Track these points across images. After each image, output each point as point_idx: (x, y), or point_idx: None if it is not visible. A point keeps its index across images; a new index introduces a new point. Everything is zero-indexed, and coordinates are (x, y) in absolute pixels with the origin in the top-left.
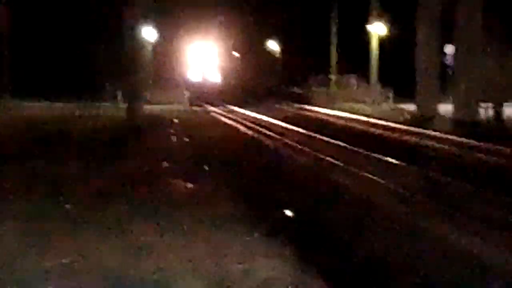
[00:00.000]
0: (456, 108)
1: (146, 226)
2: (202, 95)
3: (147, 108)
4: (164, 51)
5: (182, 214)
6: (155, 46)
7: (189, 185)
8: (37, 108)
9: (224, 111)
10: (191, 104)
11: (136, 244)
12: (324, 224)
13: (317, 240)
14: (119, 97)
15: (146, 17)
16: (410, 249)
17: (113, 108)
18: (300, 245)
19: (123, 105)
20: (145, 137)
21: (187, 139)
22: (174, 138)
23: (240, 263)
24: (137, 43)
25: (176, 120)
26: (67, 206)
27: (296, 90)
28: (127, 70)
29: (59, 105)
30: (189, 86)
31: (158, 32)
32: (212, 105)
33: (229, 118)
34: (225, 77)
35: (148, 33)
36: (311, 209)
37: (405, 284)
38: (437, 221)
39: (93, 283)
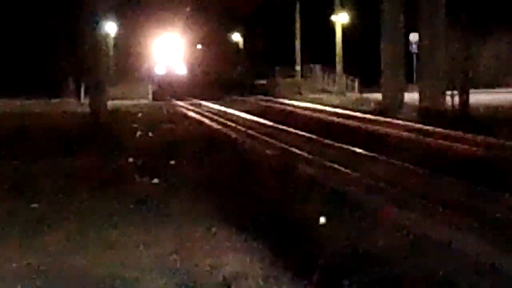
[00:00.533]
0: (422, 97)
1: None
2: (168, 89)
3: (111, 103)
4: (127, 44)
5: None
6: (118, 39)
7: (155, 180)
8: None
9: (189, 104)
10: (155, 99)
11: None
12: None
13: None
14: (82, 92)
15: (107, 11)
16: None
17: (76, 104)
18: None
19: (86, 101)
20: (109, 133)
21: (151, 134)
22: (138, 133)
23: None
24: (98, 37)
25: (140, 115)
26: (34, 205)
27: (262, 81)
28: (89, 65)
29: (19, 102)
30: (154, 79)
31: (120, 26)
32: (177, 99)
33: (195, 112)
34: (191, 70)
35: (109, 27)
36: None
37: None
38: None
39: None
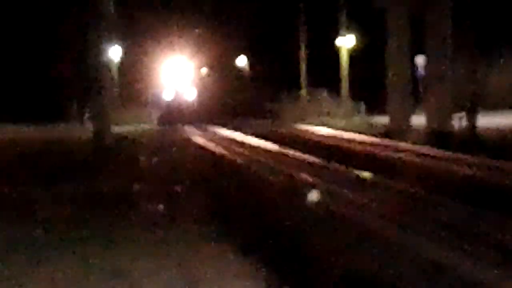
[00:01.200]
0: (429, 119)
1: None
2: (176, 115)
3: (115, 128)
4: (132, 69)
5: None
6: (123, 64)
7: (160, 207)
8: None
9: (194, 128)
10: (160, 124)
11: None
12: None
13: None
14: (86, 117)
15: (111, 37)
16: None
17: (80, 129)
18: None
19: (90, 126)
20: (114, 159)
21: (156, 159)
22: (143, 159)
23: None
24: (102, 63)
25: (144, 140)
26: (38, 231)
27: (268, 105)
28: (92, 90)
29: (24, 128)
30: (162, 105)
31: (126, 50)
32: (183, 124)
33: (200, 136)
34: (199, 95)
35: (114, 52)
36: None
37: None
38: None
39: None
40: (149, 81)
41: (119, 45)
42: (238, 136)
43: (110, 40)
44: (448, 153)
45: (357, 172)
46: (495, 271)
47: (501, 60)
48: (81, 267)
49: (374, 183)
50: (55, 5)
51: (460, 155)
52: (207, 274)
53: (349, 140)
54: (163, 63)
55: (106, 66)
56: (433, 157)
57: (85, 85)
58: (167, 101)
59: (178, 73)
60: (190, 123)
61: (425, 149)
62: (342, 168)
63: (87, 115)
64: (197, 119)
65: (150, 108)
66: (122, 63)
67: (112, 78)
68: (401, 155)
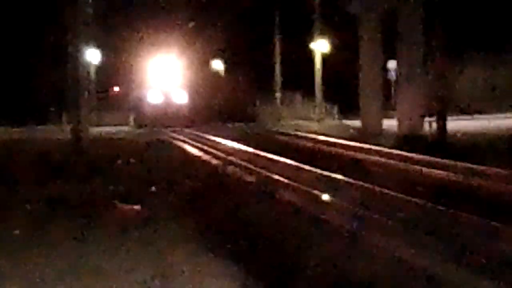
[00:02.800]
0: (400, 123)
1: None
2: (163, 119)
3: (94, 130)
4: (111, 72)
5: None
6: (101, 67)
7: (136, 207)
8: None
9: (170, 130)
10: (139, 125)
11: None
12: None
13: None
14: (64, 119)
15: (89, 39)
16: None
17: (59, 131)
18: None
19: (68, 128)
20: (90, 160)
21: (133, 160)
22: (119, 161)
23: None
24: (80, 65)
25: (121, 142)
26: (16, 231)
27: (244, 109)
28: (71, 92)
29: (2, 129)
30: (146, 109)
31: (104, 53)
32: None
33: (176, 139)
34: (191, 98)
35: (92, 55)
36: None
37: None
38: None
39: None
40: (130, 83)
41: (98, 47)
42: (212, 138)
43: (89, 43)
44: (415, 155)
45: (322, 171)
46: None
47: (471, 66)
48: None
49: (338, 181)
50: (34, 11)
51: (426, 157)
52: None
53: (320, 142)
54: (150, 62)
55: (84, 69)
56: (400, 158)
57: (64, 88)
58: (154, 104)
59: (165, 74)
60: (177, 126)
61: (393, 151)
62: (309, 167)
63: (64, 117)
64: (186, 123)
65: (133, 111)
66: (100, 66)
67: (90, 81)
68: (370, 156)
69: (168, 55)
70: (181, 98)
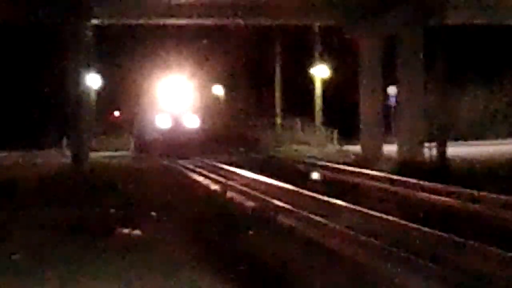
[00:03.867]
0: (400, 149)
1: None
2: (173, 147)
3: (93, 155)
4: (112, 97)
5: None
6: (103, 91)
7: (137, 232)
8: None
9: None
10: (138, 150)
11: None
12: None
13: None
14: (64, 144)
15: (90, 65)
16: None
17: (59, 155)
18: None
19: (68, 152)
20: (90, 184)
21: (132, 186)
22: (120, 185)
23: None
24: (81, 90)
25: (122, 166)
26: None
27: (244, 134)
28: (71, 117)
29: (5, 154)
30: (154, 136)
31: (106, 78)
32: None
33: (182, 165)
34: (203, 122)
35: (93, 80)
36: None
37: None
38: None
39: None
40: (134, 108)
41: (99, 73)
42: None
43: (89, 69)
44: (415, 181)
45: (322, 196)
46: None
47: (470, 92)
48: None
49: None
50: (34, 37)
51: (426, 183)
52: None
53: (321, 167)
54: (153, 87)
55: (85, 94)
56: (401, 184)
57: (64, 113)
58: (162, 129)
59: (174, 97)
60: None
61: (393, 177)
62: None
63: (65, 142)
64: (199, 150)
65: (136, 137)
66: (101, 91)
67: (90, 106)
68: (369, 182)
69: (175, 77)
70: (192, 122)
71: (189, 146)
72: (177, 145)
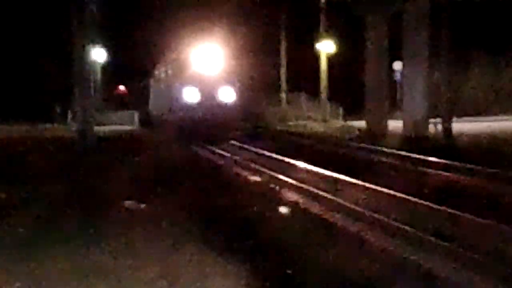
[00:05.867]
0: (406, 124)
1: None
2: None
3: (99, 128)
4: (117, 70)
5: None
6: (107, 66)
7: (142, 205)
8: None
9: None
10: (143, 124)
11: None
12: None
13: None
14: (70, 118)
15: (95, 38)
16: None
17: (64, 129)
18: None
19: (74, 126)
20: (96, 158)
21: (137, 159)
22: (124, 158)
23: None
24: (86, 65)
25: (127, 139)
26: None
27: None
28: (76, 91)
29: (4, 127)
30: (177, 113)
31: (109, 53)
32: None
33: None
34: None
35: (98, 54)
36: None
37: None
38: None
39: None
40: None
41: (104, 46)
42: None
43: (95, 43)
44: (420, 156)
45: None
46: None
47: (477, 68)
48: None
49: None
50: (41, 12)
51: (430, 158)
52: None
53: (326, 142)
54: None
55: (90, 68)
56: (404, 159)
57: (70, 87)
58: (190, 104)
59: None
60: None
61: (397, 152)
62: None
63: (70, 116)
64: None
65: (153, 114)
66: (106, 65)
67: (95, 80)
68: (373, 156)
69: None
70: (228, 95)
71: (222, 125)
72: (209, 123)
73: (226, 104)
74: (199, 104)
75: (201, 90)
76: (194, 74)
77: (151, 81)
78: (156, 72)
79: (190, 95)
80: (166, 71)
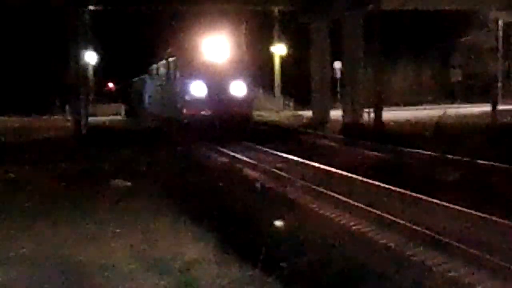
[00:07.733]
0: (344, 113)
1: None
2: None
3: (92, 119)
4: (106, 70)
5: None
6: (98, 66)
7: (128, 183)
8: None
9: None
10: (128, 115)
11: None
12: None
13: None
14: (67, 110)
15: (88, 44)
16: None
17: (62, 120)
18: None
19: (70, 117)
20: (89, 143)
21: (124, 143)
22: (112, 143)
23: None
24: (80, 66)
25: (116, 127)
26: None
27: None
28: (72, 88)
29: (11, 118)
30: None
31: (100, 56)
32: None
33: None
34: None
35: (90, 57)
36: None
37: None
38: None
39: None
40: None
41: (95, 50)
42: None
43: (87, 47)
44: (355, 140)
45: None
46: None
47: (402, 64)
48: None
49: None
50: (43, 21)
51: (365, 142)
52: None
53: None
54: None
55: (84, 68)
56: (341, 141)
57: (67, 85)
58: (198, 97)
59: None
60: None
61: (337, 136)
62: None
63: (67, 108)
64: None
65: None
66: (97, 66)
67: (88, 79)
68: (313, 138)
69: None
70: (238, 89)
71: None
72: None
73: (237, 98)
74: (208, 98)
75: (208, 81)
76: (202, 67)
77: (146, 78)
78: (154, 68)
79: (198, 90)
80: (167, 66)
